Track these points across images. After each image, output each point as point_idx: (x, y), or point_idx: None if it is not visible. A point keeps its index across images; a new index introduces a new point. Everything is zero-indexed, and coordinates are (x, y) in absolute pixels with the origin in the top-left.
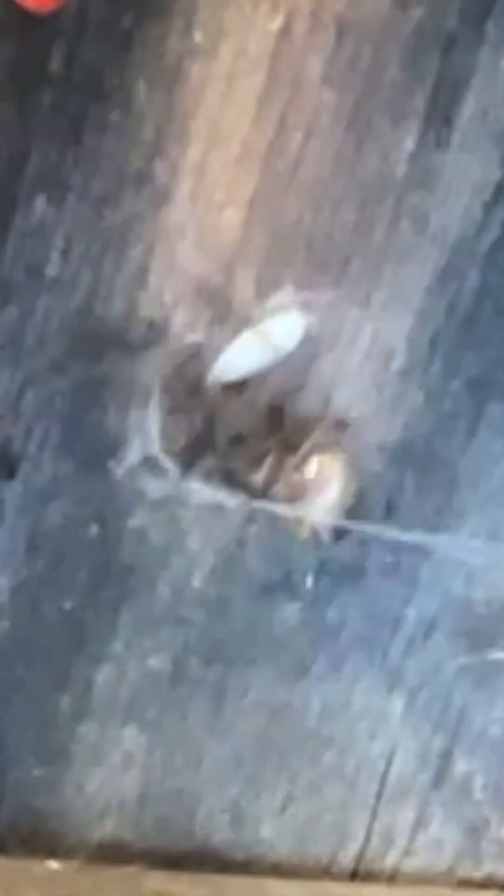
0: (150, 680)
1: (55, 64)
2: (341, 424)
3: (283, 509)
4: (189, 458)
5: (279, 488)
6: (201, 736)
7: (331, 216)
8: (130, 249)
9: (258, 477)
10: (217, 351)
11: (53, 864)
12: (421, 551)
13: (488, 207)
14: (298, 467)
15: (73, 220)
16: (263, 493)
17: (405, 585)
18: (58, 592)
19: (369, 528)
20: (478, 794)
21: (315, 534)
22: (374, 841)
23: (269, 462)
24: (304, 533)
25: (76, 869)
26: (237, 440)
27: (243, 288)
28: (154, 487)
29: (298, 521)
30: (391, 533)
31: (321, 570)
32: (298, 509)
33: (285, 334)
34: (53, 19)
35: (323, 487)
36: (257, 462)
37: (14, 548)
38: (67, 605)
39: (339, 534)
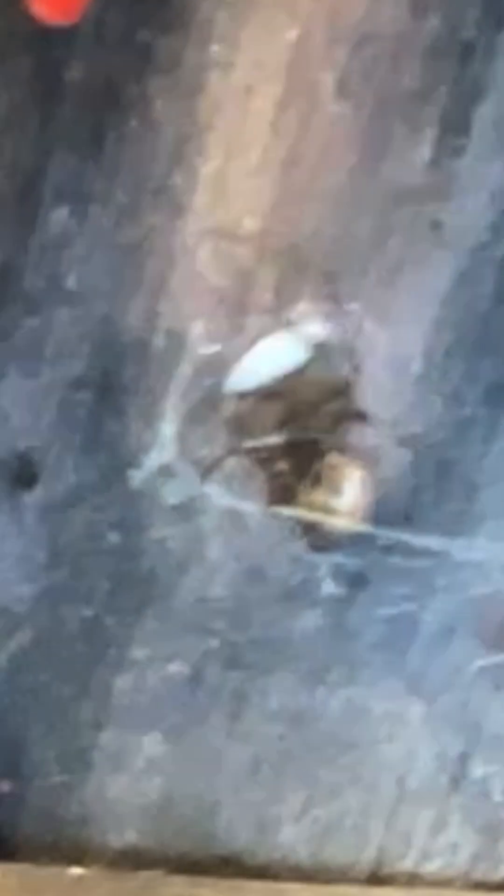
0: (171, 686)
1: (74, 76)
2: (360, 430)
3: (302, 515)
4: (208, 466)
5: (298, 494)
6: (221, 742)
7: (348, 225)
8: (150, 260)
9: (277, 484)
10: (236, 360)
11: (76, 871)
12: (439, 555)
13: None
14: (317, 473)
15: (93, 232)
16: (283, 499)
17: (423, 590)
18: (78, 600)
19: (388, 533)
20: (496, 797)
21: (334, 539)
22: (393, 844)
23: (287, 469)
24: (324, 537)
25: (98, 875)
26: (256, 447)
27: (262, 297)
28: (174, 495)
29: (318, 526)
30: (409, 537)
31: (340, 575)
32: (318, 514)
33: (303, 343)
34: (71, 32)
35: (342, 493)
36: (276, 469)
37: (35, 556)
38: (88, 612)
39: (358, 539)
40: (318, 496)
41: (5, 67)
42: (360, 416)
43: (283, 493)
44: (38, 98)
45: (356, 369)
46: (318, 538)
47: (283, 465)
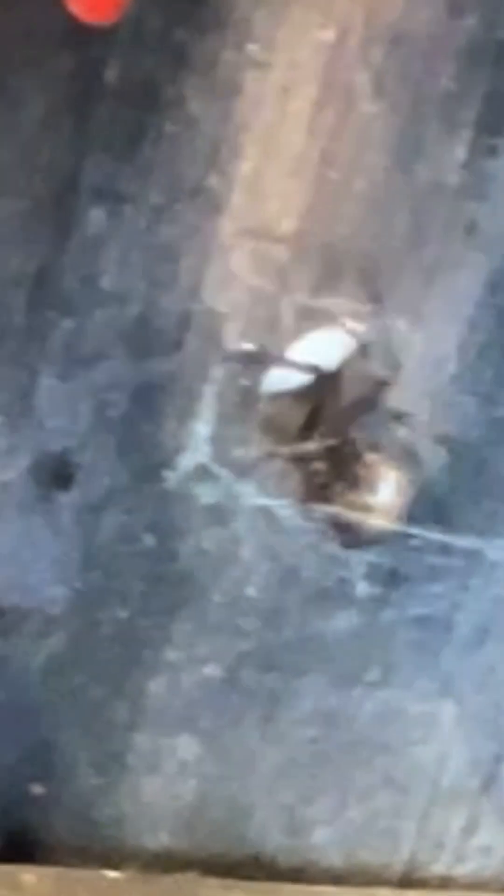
0: (205, 688)
1: (111, 76)
2: (396, 430)
3: (337, 513)
4: (243, 467)
5: (334, 493)
6: (255, 744)
7: (383, 225)
8: (185, 261)
9: (312, 482)
10: (271, 360)
11: (110, 874)
12: (473, 556)
13: None
14: (353, 472)
15: (129, 232)
16: (318, 498)
17: (457, 591)
18: (113, 602)
19: (422, 533)
20: None
21: (368, 538)
22: (426, 846)
23: (323, 468)
24: (358, 537)
25: (132, 878)
26: (291, 448)
27: (297, 298)
28: (208, 496)
29: (352, 525)
30: (443, 537)
31: (373, 576)
32: (353, 513)
33: (338, 343)
34: (110, 32)
35: (377, 492)
36: (311, 468)
37: (70, 558)
38: (123, 614)
39: (392, 539)
40: (354, 495)
41: (43, 68)
42: (397, 416)
43: (318, 492)
44: (75, 98)
45: (394, 368)
46: (352, 537)
47: (318, 465)
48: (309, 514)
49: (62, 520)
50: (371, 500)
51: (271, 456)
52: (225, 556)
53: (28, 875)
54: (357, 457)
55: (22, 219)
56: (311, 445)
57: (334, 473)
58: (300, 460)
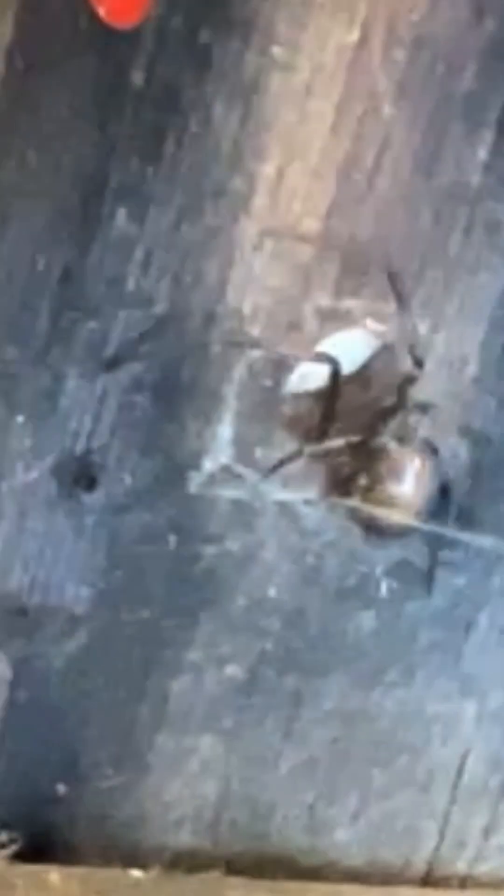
0: (227, 688)
1: (135, 78)
2: (419, 428)
3: (360, 507)
4: (266, 467)
5: (356, 490)
6: (277, 743)
7: (406, 226)
8: (209, 262)
9: (335, 480)
10: (294, 360)
11: (134, 873)
12: (493, 556)
13: None
14: (375, 470)
15: (153, 234)
16: (341, 494)
17: (478, 590)
18: (136, 602)
19: (443, 531)
20: None
21: (391, 534)
22: (447, 846)
23: (346, 465)
24: (381, 533)
25: (157, 877)
26: (314, 446)
27: (320, 298)
28: (232, 497)
29: (375, 522)
30: (464, 538)
31: (395, 576)
32: (376, 509)
33: (361, 343)
34: (134, 34)
35: (400, 489)
36: (335, 464)
37: (94, 559)
38: (145, 614)
39: (414, 538)
40: (377, 490)
41: (68, 69)
42: (419, 413)
43: (340, 489)
44: (99, 100)
45: (416, 368)
46: (374, 533)
47: (341, 461)
48: (332, 511)
49: (85, 520)
50: (393, 495)
51: (294, 455)
52: (247, 557)
53: (53, 875)
54: (380, 453)
55: (47, 220)
56: (334, 443)
57: (357, 470)
58: (323, 458)
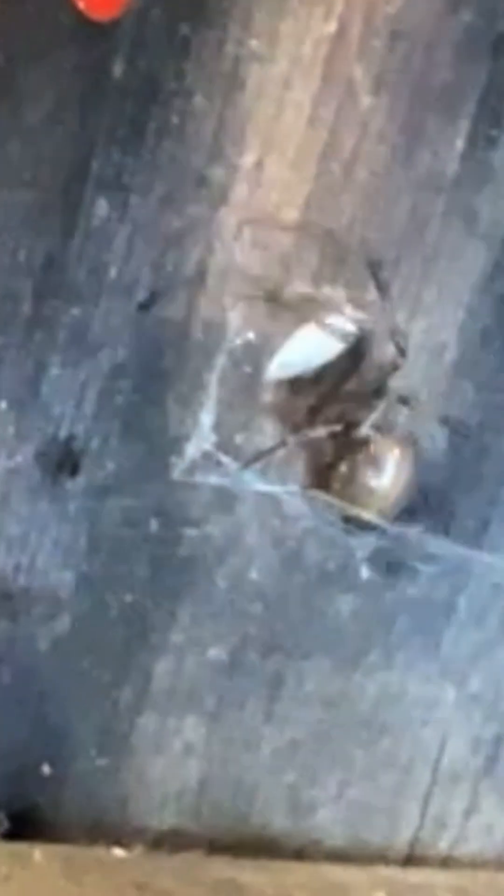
0: (209, 671)
1: (116, 70)
2: (398, 416)
3: (339, 498)
4: (247, 453)
5: (336, 479)
6: (259, 725)
7: (383, 215)
8: (190, 250)
9: (316, 468)
10: (274, 348)
11: (117, 851)
12: (473, 540)
13: None
14: (355, 459)
15: (134, 223)
16: (320, 483)
17: (458, 574)
18: (119, 586)
19: (423, 517)
20: None
21: (370, 522)
22: (428, 826)
23: (326, 454)
24: (360, 521)
25: (140, 856)
26: (293, 434)
27: (299, 286)
28: (212, 482)
29: (353, 511)
30: (444, 522)
31: (375, 560)
32: (355, 499)
33: (340, 331)
34: (114, 27)
35: (379, 477)
36: (315, 453)
37: (76, 543)
38: (128, 598)
39: (393, 523)
40: (356, 479)
41: (50, 62)
42: (398, 401)
43: (321, 477)
44: (81, 92)
45: (400, 355)
46: (354, 522)
47: (321, 450)
48: (312, 498)
49: (69, 505)
50: (373, 484)
51: (275, 442)
52: (229, 541)
53: (37, 852)
54: (360, 443)
55: (30, 209)
56: (314, 431)
57: (337, 458)
58: (303, 445)
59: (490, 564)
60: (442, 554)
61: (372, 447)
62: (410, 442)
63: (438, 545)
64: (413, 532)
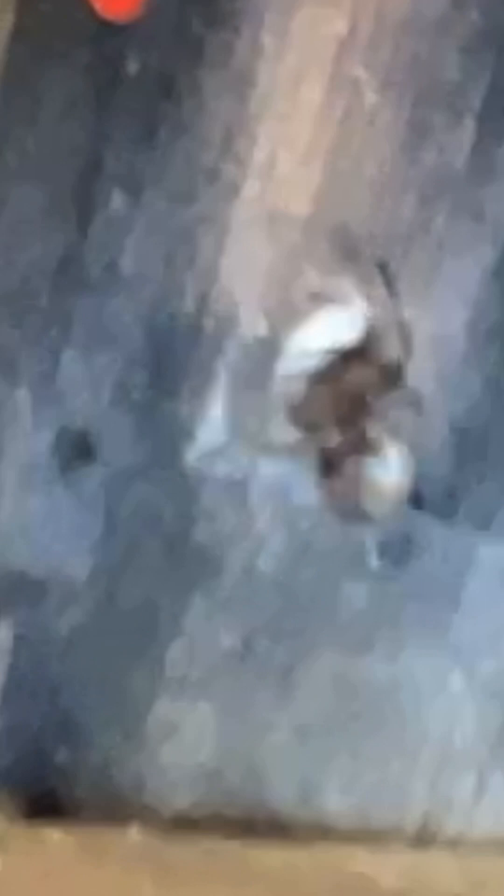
0: (222, 658)
1: (130, 68)
2: (406, 409)
3: (346, 490)
4: (258, 444)
5: (344, 471)
6: (270, 711)
7: (392, 210)
8: (202, 245)
9: (324, 461)
10: (285, 341)
11: (134, 833)
12: (480, 530)
13: None
14: (363, 450)
15: (148, 218)
16: (329, 476)
17: (465, 563)
18: (133, 574)
19: (430, 508)
20: None
21: (378, 514)
22: (436, 810)
23: (334, 447)
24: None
25: (155, 838)
26: (305, 426)
27: (309, 281)
28: (225, 472)
29: (362, 501)
30: (451, 513)
31: (385, 549)
32: (363, 490)
33: (349, 324)
34: (128, 25)
35: (386, 470)
36: (324, 446)
37: (91, 531)
38: (141, 586)
39: (402, 513)
40: (364, 472)
41: (66, 60)
42: (406, 395)
43: (329, 470)
44: (96, 89)
45: (403, 349)
46: (360, 513)
47: (330, 442)
48: (320, 490)
49: (84, 494)
50: (378, 477)
51: (286, 434)
52: (240, 531)
53: (54, 833)
54: (367, 438)
55: (46, 204)
56: (324, 424)
57: (345, 451)
58: (313, 438)
59: (496, 552)
60: (449, 543)
61: (378, 440)
62: (417, 435)
63: (445, 535)
64: (420, 521)
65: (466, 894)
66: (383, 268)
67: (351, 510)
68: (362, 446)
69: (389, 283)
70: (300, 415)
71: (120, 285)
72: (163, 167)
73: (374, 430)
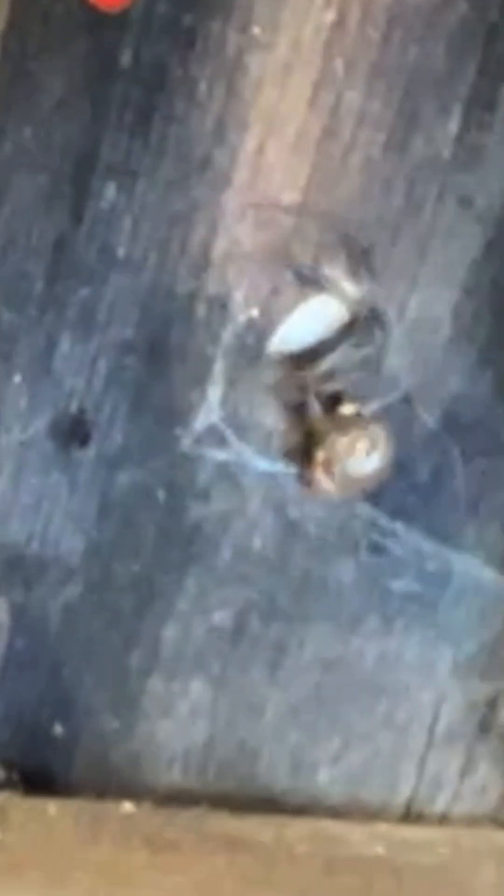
0: (215, 636)
1: (124, 59)
2: (390, 391)
3: (329, 470)
4: (249, 427)
5: (328, 453)
6: (262, 688)
7: (381, 197)
8: (194, 231)
9: (309, 443)
10: (276, 324)
11: (127, 806)
12: (468, 510)
13: None
14: (346, 432)
15: (142, 205)
16: (314, 460)
17: (452, 543)
18: (127, 554)
19: (418, 489)
20: None
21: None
22: (424, 786)
23: (319, 429)
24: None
25: (148, 811)
26: (293, 408)
27: (299, 265)
28: (217, 455)
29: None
30: (438, 493)
31: (373, 530)
32: (345, 473)
33: (339, 308)
34: (122, 18)
35: (370, 452)
36: (310, 430)
37: (86, 512)
38: (137, 565)
39: (389, 495)
40: (342, 457)
41: (61, 52)
42: (390, 378)
43: (312, 451)
44: (90, 80)
45: (390, 333)
46: (345, 494)
47: (316, 425)
48: (302, 471)
49: (79, 476)
50: (358, 461)
51: (275, 416)
52: (233, 511)
53: (50, 806)
54: (348, 420)
55: (41, 193)
56: (311, 406)
57: (324, 435)
58: (300, 420)
59: (483, 532)
60: (436, 523)
61: (360, 425)
62: (404, 415)
63: (433, 515)
64: (407, 503)
65: (452, 867)
66: (366, 253)
67: (331, 492)
68: (342, 429)
69: (370, 268)
70: (289, 396)
71: (114, 271)
72: (156, 156)
73: (354, 413)
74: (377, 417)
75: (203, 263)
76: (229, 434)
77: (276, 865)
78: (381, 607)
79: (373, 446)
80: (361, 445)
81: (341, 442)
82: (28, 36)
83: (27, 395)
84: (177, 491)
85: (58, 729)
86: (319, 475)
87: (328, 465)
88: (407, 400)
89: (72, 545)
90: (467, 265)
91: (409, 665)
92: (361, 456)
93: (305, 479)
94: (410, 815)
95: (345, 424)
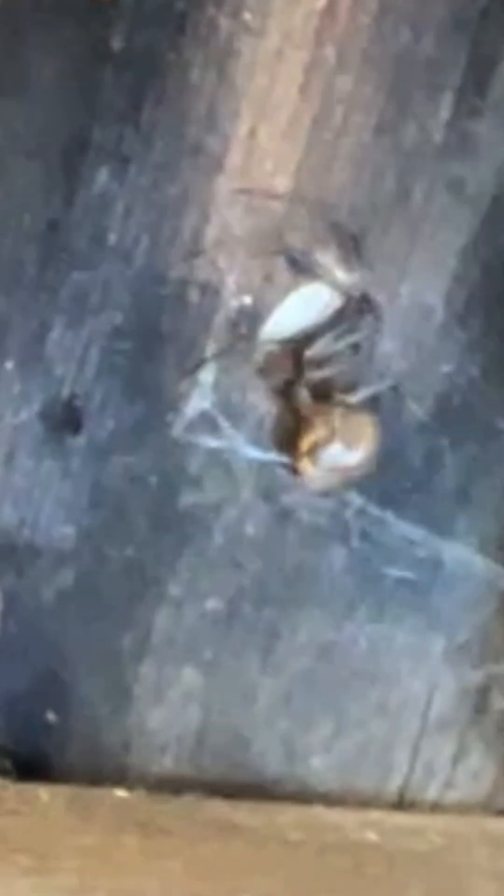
0: (207, 622)
1: (115, 44)
2: (381, 379)
3: (316, 459)
4: (242, 413)
5: (318, 441)
6: (255, 674)
7: (372, 183)
8: (186, 217)
9: (299, 430)
10: (268, 311)
11: (120, 793)
12: (458, 497)
13: None
14: (335, 420)
15: (133, 191)
16: (299, 449)
17: (444, 530)
18: (120, 540)
19: (409, 476)
20: None
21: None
22: (417, 773)
23: (309, 415)
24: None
25: (140, 797)
26: (285, 395)
27: (291, 252)
28: (209, 441)
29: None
30: (429, 480)
31: (365, 516)
32: (333, 459)
33: (330, 294)
34: (114, 4)
35: (360, 441)
36: (301, 418)
37: (78, 499)
38: (129, 552)
39: (380, 482)
40: (329, 446)
41: (53, 37)
42: (382, 366)
43: (301, 438)
44: (82, 65)
45: (378, 320)
46: (332, 483)
47: (305, 412)
48: (291, 463)
49: (71, 462)
50: (343, 450)
51: (266, 403)
52: (225, 497)
53: (43, 792)
54: (336, 407)
55: (33, 178)
56: (301, 393)
57: (312, 423)
58: (290, 406)
59: (474, 519)
60: (427, 510)
61: (346, 414)
62: (394, 404)
63: (424, 502)
64: (399, 490)
65: (445, 853)
66: (356, 240)
67: (315, 481)
68: (330, 417)
69: (359, 254)
70: (279, 382)
71: (106, 257)
72: (147, 141)
73: (342, 400)
74: (366, 406)
75: (195, 249)
76: (221, 420)
77: (268, 852)
78: (373, 594)
79: (358, 436)
80: (346, 434)
81: (326, 430)
82: (20, 20)
83: (19, 380)
84: (169, 476)
85: (50, 715)
86: (304, 463)
87: (313, 454)
88: (397, 388)
89: (63, 532)
90: (459, 252)
91: (402, 652)
92: (346, 445)
93: (294, 467)
94: (403, 802)
95: (331, 413)
